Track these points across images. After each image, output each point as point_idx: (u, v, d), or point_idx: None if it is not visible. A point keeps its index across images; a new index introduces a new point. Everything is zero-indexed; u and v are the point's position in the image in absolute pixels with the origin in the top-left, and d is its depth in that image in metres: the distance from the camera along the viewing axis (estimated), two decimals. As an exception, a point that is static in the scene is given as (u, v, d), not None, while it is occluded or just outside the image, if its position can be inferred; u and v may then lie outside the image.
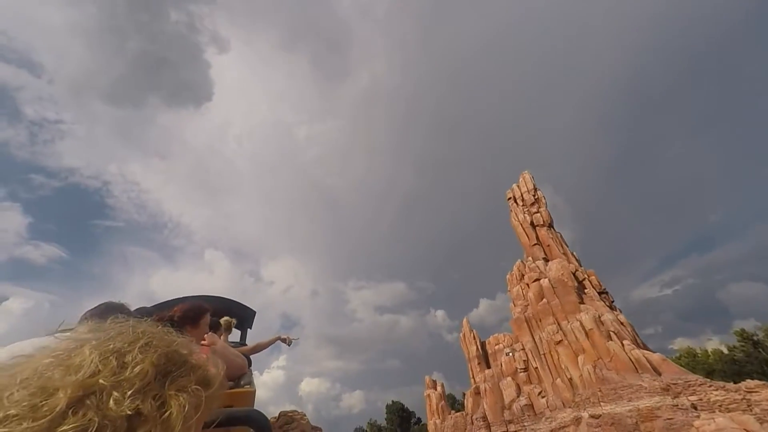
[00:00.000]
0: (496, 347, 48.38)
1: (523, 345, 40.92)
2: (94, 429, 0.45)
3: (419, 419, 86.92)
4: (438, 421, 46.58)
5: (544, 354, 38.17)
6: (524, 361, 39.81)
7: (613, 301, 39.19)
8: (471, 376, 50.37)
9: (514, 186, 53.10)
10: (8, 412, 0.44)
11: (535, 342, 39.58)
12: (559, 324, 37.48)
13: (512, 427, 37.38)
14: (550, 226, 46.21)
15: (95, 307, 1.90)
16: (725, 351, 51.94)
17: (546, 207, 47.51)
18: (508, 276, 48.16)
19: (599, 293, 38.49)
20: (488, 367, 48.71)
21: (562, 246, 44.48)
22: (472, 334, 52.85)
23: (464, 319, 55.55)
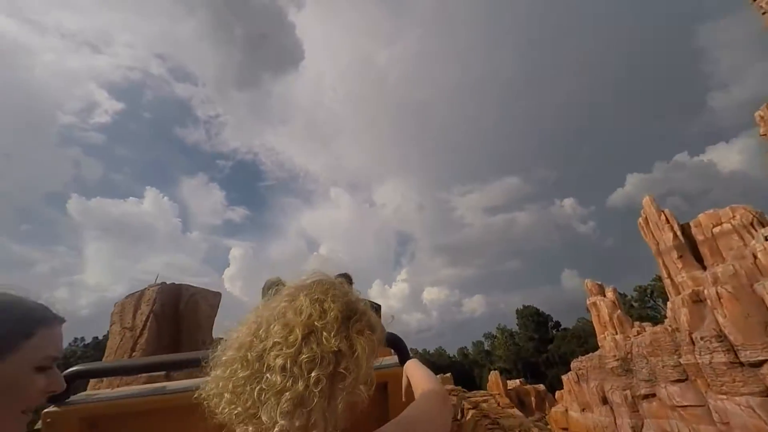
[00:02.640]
0: (715, 230, 29.67)
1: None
2: (318, 359, 0.59)
3: (557, 323, 74.97)
4: (619, 338, 32.65)
5: None
6: (823, 246, 20.96)
7: None
8: (666, 275, 33.50)
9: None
10: (274, 340, 0.61)
11: None
12: None
13: (797, 357, 20.98)
14: None
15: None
16: None
17: None
18: (758, 114, 26.38)
19: None
20: (699, 262, 30.93)
21: None
22: (663, 217, 34.26)
23: (646, 198, 36.29)
